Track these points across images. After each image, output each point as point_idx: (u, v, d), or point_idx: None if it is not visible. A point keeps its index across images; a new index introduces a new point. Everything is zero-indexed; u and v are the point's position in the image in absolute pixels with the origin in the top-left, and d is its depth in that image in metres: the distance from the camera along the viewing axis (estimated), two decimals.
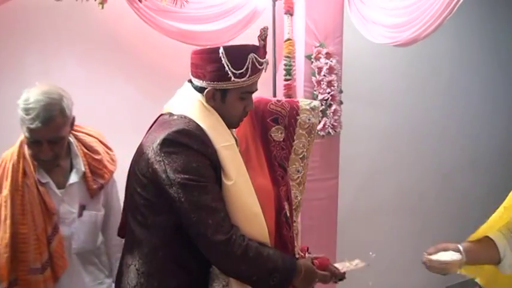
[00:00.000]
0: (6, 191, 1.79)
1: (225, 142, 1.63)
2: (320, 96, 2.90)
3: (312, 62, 2.88)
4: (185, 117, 1.64)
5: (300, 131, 1.82)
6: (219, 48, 1.61)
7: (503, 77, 4.97)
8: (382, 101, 3.82)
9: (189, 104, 1.68)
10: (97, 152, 2.00)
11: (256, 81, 1.71)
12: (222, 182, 1.61)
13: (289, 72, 2.92)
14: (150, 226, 1.64)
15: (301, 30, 2.88)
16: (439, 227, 4.20)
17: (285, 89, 2.93)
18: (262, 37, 1.70)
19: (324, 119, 2.90)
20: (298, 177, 1.83)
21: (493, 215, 1.88)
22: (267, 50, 2.64)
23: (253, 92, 1.73)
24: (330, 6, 2.91)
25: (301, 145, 1.82)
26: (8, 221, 1.76)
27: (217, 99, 1.68)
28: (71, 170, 1.94)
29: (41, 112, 1.69)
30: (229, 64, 1.60)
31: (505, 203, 1.85)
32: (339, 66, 2.94)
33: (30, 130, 1.71)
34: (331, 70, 2.90)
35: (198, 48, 1.73)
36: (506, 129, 5.00)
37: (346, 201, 3.41)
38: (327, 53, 2.90)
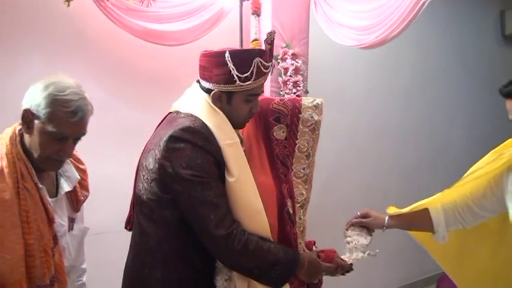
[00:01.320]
0: (8, 194, 1.47)
1: (229, 140, 1.68)
2: (287, 97, 2.92)
3: (279, 62, 2.90)
4: (191, 115, 1.70)
5: (304, 129, 1.83)
6: (225, 52, 1.67)
7: (465, 78, 5.13)
8: (346, 101, 3.88)
9: (196, 103, 1.74)
10: (81, 162, 1.82)
11: (262, 84, 1.75)
12: (225, 179, 1.66)
13: None
14: (156, 220, 1.68)
15: (267, 31, 2.88)
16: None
17: None
18: (269, 41, 1.74)
19: None
20: (304, 174, 1.85)
21: (442, 192, 2.07)
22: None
23: (259, 95, 1.77)
24: (296, 8, 2.94)
25: (305, 143, 1.84)
26: (19, 230, 1.48)
27: (223, 101, 1.72)
28: (56, 178, 1.72)
29: (79, 106, 1.51)
30: (234, 68, 1.65)
31: (459, 183, 2.02)
32: (304, 67, 2.97)
33: (63, 124, 1.50)
34: (297, 71, 2.93)
35: (208, 50, 1.77)
36: (466, 129, 5.17)
37: (311, 198, 3.45)
38: (293, 54, 2.92)
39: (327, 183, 3.84)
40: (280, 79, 2.92)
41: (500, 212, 1.90)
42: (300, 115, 1.83)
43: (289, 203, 1.80)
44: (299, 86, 2.94)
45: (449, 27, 4.89)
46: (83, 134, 1.58)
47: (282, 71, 2.92)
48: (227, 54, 1.66)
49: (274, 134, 1.82)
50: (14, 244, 1.45)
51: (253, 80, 1.67)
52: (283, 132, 1.83)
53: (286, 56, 2.92)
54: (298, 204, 1.85)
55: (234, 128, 1.75)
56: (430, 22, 4.53)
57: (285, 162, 1.83)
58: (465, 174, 2.00)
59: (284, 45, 2.90)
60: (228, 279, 1.70)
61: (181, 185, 1.60)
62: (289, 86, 2.93)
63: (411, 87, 4.49)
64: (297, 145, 1.83)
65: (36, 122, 1.47)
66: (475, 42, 5.30)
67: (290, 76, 2.93)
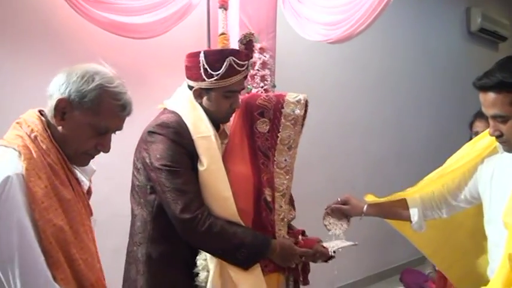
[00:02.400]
0: (68, 193, 1.34)
1: (202, 133, 1.86)
2: (254, 90, 2.93)
3: None
4: (173, 112, 1.90)
5: (286, 122, 1.93)
6: (200, 52, 1.87)
7: (431, 74, 5.24)
8: (313, 95, 3.89)
9: (180, 100, 1.94)
10: None
11: (240, 81, 1.90)
12: (198, 168, 1.84)
13: None
14: (142, 204, 1.89)
15: (235, 25, 2.89)
16: (369, 217, 4.37)
17: None
18: (243, 41, 1.92)
19: None
20: (286, 165, 1.96)
21: (422, 181, 2.11)
22: (202, 43, 2.67)
23: (237, 91, 1.92)
24: (263, 2, 2.94)
25: (286, 136, 1.94)
26: (85, 228, 1.39)
27: (203, 97, 1.90)
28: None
29: (128, 99, 1.45)
30: (207, 67, 1.84)
31: (438, 173, 2.05)
32: (272, 61, 2.97)
33: (112, 118, 1.42)
34: (264, 65, 2.94)
35: (192, 52, 1.92)
36: (432, 123, 5.28)
37: None
38: (260, 48, 2.93)
39: (296, 177, 3.85)
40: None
41: (476, 203, 1.95)
42: (283, 110, 1.93)
43: (267, 192, 1.93)
44: (266, 80, 2.96)
45: (417, 24, 4.98)
46: (122, 128, 1.49)
47: (250, 64, 2.92)
48: (201, 54, 1.85)
49: (258, 127, 1.94)
50: (87, 243, 1.38)
51: (227, 78, 1.84)
52: (266, 125, 1.94)
53: (253, 50, 2.92)
54: (280, 193, 1.96)
55: (219, 122, 1.96)
56: (398, 19, 4.62)
57: (267, 153, 1.94)
58: (442, 166, 2.05)
59: None
60: (205, 259, 1.88)
61: (155, 174, 1.80)
62: (257, 79, 2.94)
63: (379, 82, 4.56)
64: (279, 138, 1.93)
65: (76, 113, 1.34)
66: (442, 39, 5.42)
67: (257, 70, 2.93)
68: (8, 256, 1.17)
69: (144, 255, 1.87)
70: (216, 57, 1.86)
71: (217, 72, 1.83)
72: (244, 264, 1.85)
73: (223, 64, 1.83)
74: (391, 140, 4.79)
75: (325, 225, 2.17)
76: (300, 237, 2.07)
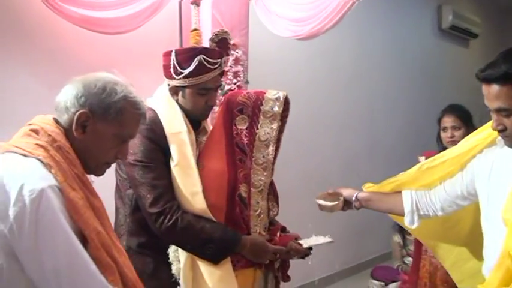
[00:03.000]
0: (97, 201, 1.36)
1: (174, 130, 1.89)
2: (227, 87, 2.94)
3: None
4: (151, 109, 1.91)
5: (264, 119, 1.93)
6: (172, 51, 1.91)
7: (403, 70, 5.32)
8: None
9: (158, 97, 1.99)
10: None
11: (214, 79, 1.93)
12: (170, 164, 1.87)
13: None
14: (123, 198, 1.93)
15: (207, 21, 2.89)
16: (341, 212, 4.41)
17: None
18: (215, 40, 1.93)
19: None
20: (264, 162, 1.96)
21: (412, 170, 2.04)
22: (174, 39, 2.67)
23: (212, 89, 1.94)
24: None
25: (264, 132, 1.94)
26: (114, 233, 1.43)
27: (179, 95, 1.94)
28: None
29: (144, 106, 1.47)
30: (177, 65, 1.89)
31: (428, 163, 1.99)
32: (245, 57, 2.99)
33: (133, 127, 1.43)
34: (237, 61, 2.95)
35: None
36: (404, 118, 5.37)
37: None
38: (233, 44, 2.93)
39: None
40: None
41: (472, 201, 1.88)
42: (261, 107, 1.93)
43: (243, 188, 1.94)
44: (239, 77, 2.97)
45: (389, 21, 5.05)
46: None
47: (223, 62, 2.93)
48: (173, 53, 1.90)
49: (236, 123, 1.95)
50: (120, 247, 1.40)
51: (198, 76, 1.87)
52: (245, 122, 1.94)
53: (228, 47, 2.93)
54: (257, 189, 1.97)
55: (197, 119, 1.99)
56: (371, 16, 4.68)
57: (244, 149, 1.95)
58: (440, 159, 1.98)
59: None
60: (176, 250, 1.92)
61: (129, 169, 1.84)
62: (230, 76, 2.95)
63: (351, 79, 4.61)
64: (257, 134, 1.93)
65: (99, 125, 1.33)
66: (413, 36, 5.51)
67: (230, 66, 2.94)
68: (52, 267, 1.16)
69: (124, 246, 1.85)
70: (186, 56, 1.90)
71: (186, 70, 1.87)
72: (213, 259, 1.87)
73: (192, 62, 1.86)
74: (364, 136, 4.85)
75: (319, 203, 2.15)
76: (278, 233, 2.09)
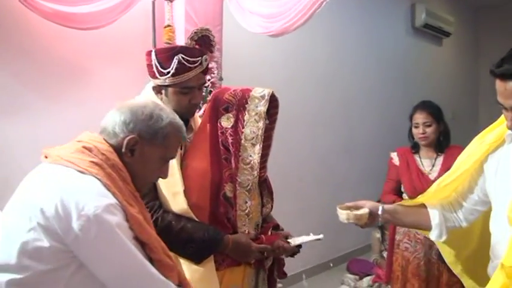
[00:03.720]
0: (148, 217, 1.49)
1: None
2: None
3: None
4: None
5: (250, 118, 1.90)
6: (152, 50, 1.92)
7: (377, 68, 5.38)
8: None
9: (143, 97, 1.99)
10: None
11: (196, 77, 1.92)
12: None
13: None
14: None
15: (181, 17, 2.90)
16: (318, 208, 4.47)
17: None
18: (194, 38, 1.92)
19: (205, 105, 2.95)
20: (251, 161, 1.92)
21: (431, 189, 1.95)
22: (147, 35, 2.65)
23: (194, 87, 1.93)
24: None
25: (250, 131, 1.90)
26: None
27: (162, 94, 1.94)
28: None
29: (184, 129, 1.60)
30: (158, 64, 1.89)
31: (444, 181, 1.89)
32: (219, 54, 2.99)
33: (176, 149, 1.56)
34: (211, 58, 2.94)
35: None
36: (379, 116, 5.43)
37: None
38: None
39: None
40: None
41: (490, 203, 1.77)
42: (247, 105, 1.90)
43: (228, 187, 1.91)
44: (213, 73, 2.97)
45: (362, 19, 5.11)
46: None
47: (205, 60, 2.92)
48: (153, 52, 1.90)
49: (222, 122, 1.92)
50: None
51: (178, 75, 1.87)
52: (230, 121, 1.91)
53: (211, 45, 2.92)
54: (245, 189, 1.94)
55: (183, 118, 1.87)
56: (344, 14, 4.73)
57: (229, 149, 1.91)
58: (454, 165, 1.89)
59: None
60: None
61: None
62: None
63: (326, 76, 4.65)
64: (243, 133, 1.90)
65: (147, 148, 1.44)
66: (387, 34, 5.58)
67: None
68: (119, 273, 1.30)
69: None
70: (165, 55, 1.90)
71: (167, 70, 1.88)
72: (195, 259, 1.86)
73: (172, 62, 1.87)
74: (338, 132, 4.90)
75: (343, 214, 1.94)
76: (270, 231, 2.07)
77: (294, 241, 2.00)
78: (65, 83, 2.76)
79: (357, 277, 4.43)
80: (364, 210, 1.90)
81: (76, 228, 1.21)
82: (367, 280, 4.29)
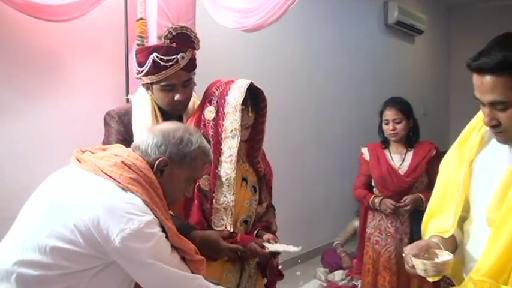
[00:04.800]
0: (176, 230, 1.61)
1: (138, 123, 1.95)
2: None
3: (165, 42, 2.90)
4: (129, 100, 2.09)
5: (228, 110, 1.89)
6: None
7: (348, 63, 5.44)
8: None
9: (137, 92, 2.09)
10: None
11: (177, 75, 1.92)
12: None
13: None
14: None
15: (153, 10, 2.88)
16: (290, 201, 4.51)
17: None
18: (169, 36, 1.90)
19: None
20: (230, 155, 1.90)
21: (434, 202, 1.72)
22: (120, 27, 2.63)
23: (176, 84, 1.93)
24: None
25: (229, 124, 1.89)
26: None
27: (150, 90, 1.99)
28: None
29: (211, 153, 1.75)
30: (137, 64, 1.94)
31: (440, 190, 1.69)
32: None
33: (202, 170, 1.70)
34: (193, 54, 2.93)
35: None
36: (349, 109, 5.49)
37: None
38: None
39: None
40: None
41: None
42: (227, 97, 1.90)
43: (203, 180, 1.89)
44: None
45: (336, 16, 5.16)
46: None
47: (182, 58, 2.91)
48: (134, 51, 1.95)
49: (205, 114, 1.93)
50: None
51: (156, 74, 1.89)
52: (212, 113, 1.92)
53: (191, 41, 2.90)
54: (224, 183, 1.90)
55: (172, 113, 1.99)
56: (317, 9, 4.76)
57: (210, 141, 1.90)
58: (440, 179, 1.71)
59: (170, 25, 2.88)
60: None
61: None
62: None
63: (298, 70, 4.68)
64: (224, 126, 1.89)
65: (176, 170, 1.54)
66: (360, 30, 5.64)
67: None
68: (156, 280, 1.42)
69: None
70: (142, 55, 1.93)
71: (142, 69, 1.92)
72: None
73: (147, 61, 1.89)
74: (310, 125, 4.93)
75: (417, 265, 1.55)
76: (255, 231, 2.04)
77: (269, 247, 1.94)
78: (36, 75, 2.72)
79: (327, 270, 4.48)
80: (447, 257, 1.50)
81: (117, 240, 1.31)
82: (339, 274, 4.34)
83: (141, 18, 2.88)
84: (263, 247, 1.94)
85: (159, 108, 2.02)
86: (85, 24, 2.79)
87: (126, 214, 1.34)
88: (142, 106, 2.02)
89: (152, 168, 1.50)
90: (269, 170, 2.20)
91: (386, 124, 3.06)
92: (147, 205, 1.39)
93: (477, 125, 1.59)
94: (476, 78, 1.37)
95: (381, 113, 3.11)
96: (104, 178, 1.41)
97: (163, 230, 1.42)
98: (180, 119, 2.03)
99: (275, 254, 2.01)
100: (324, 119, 5.12)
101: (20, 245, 1.36)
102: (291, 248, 1.94)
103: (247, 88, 1.93)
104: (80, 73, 2.90)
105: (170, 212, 1.86)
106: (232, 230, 1.92)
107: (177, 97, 1.95)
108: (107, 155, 1.50)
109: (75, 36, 2.85)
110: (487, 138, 1.55)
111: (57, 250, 1.33)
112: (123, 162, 1.45)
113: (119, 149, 1.56)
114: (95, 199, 1.37)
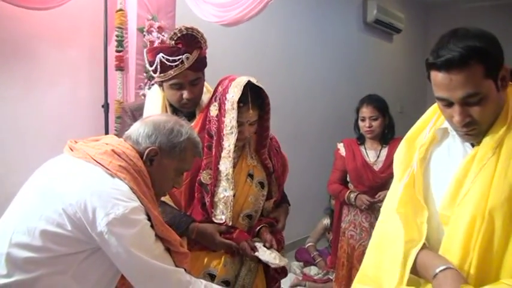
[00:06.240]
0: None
1: (148, 115, 1.94)
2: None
3: (144, 35, 2.90)
4: (145, 95, 2.20)
5: (228, 107, 1.91)
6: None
7: (327, 60, 5.47)
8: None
9: (153, 88, 2.20)
10: None
11: (183, 74, 1.99)
12: None
13: (121, 43, 2.91)
14: None
15: (133, 2, 2.88)
16: None
17: (116, 61, 2.92)
18: (174, 38, 1.99)
19: None
20: (229, 151, 1.93)
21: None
22: (99, 18, 2.62)
23: (183, 83, 2.01)
24: None
25: (228, 121, 1.92)
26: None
27: (161, 88, 2.09)
28: None
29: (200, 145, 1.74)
30: (148, 63, 2.05)
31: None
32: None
33: (192, 162, 1.68)
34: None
35: None
36: (327, 105, 5.52)
37: None
38: (159, 27, 2.93)
39: None
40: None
41: None
42: (227, 95, 1.92)
43: (204, 174, 1.94)
44: None
45: (315, 13, 5.19)
46: None
47: (148, 43, 2.92)
48: (145, 51, 2.09)
49: (210, 111, 1.98)
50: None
51: (163, 73, 1.98)
52: (215, 110, 1.95)
53: (152, 29, 2.92)
54: (224, 178, 1.94)
55: (182, 110, 2.09)
56: (296, 6, 4.79)
57: (212, 136, 1.95)
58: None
59: (150, 17, 2.91)
60: None
61: None
62: None
63: (277, 66, 4.69)
64: (224, 122, 1.92)
65: (165, 160, 1.57)
66: (339, 28, 5.68)
67: None
68: (139, 266, 1.42)
69: None
70: (150, 54, 2.02)
71: (152, 69, 2.02)
72: None
73: (155, 61, 1.98)
74: (288, 121, 4.96)
75: None
76: (257, 228, 2.04)
77: (258, 254, 1.93)
78: (10, 63, 2.69)
79: (302, 264, 4.52)
80: None
81: (103, 224, 1.34)
82: (315, 268, 4.38)
83: (120, 10, 2.88)
84: (255, 249, 1.95)
85: (171, 105, 2.11)
86: (64, 13, 2.77)
87: (112, 199, 1.37)
88: (154, 102, 2.12)
89: (142, 157, 1.52)
90: (280, 166, 2.19)
91: (363, 121, 3.11)
92: (134, 192, 1.42)
93: (430, 121, 1.50)
94: (441, 77, 1.28)
95: (358, 110, 3.16)
96: (94, 165, 1.44)
97: (149, 219, 1.44)
98: (192, 115, 2.11)
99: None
100: (301, 113, 5.15)
101: (11, 229, 1.39)
102: (275, 261, 1.93)
103: (251, 85, 1.96)
104: (57, 62, 2.88)
105: (171, 203, 1.96)
106: (231, 224, 1.95)
107: (184, 95, 2.04)
108: (99, 144, 1.53)
109: (53, 25, 2.82)
110: (439, 138, 1.46)
111: (46, 233, 1.35)
112: (113, 150, 1.48)
113: (110, 138, 1.60)
114: (83, 184, 1.40)
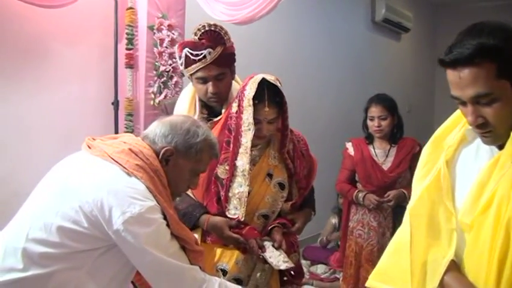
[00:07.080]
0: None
1: (177, 109, 2.17)
2: (162, 68, 2.94)
3: (154, 33, 2.91)
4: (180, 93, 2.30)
5: (245, 103, 1.93)
6: None
7: (334, 58, 5.46)
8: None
9: (189, 85, 2.25)
10: None
11: (207, 69, 2.04)
12: None
13: (131, 41, 2.92)
14: None
15: (143, 0, 2.88)
16: None
17: (126, 59, 2.93)
18: (197, 33, 2.03)
19: (166, 90, 2.96)
20: (246, 147, 1.94)
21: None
22: (110, 16, 2.62)
23: (206, 77, 2.06)
24: None
25: (246, 117, 1.93)
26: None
27: (192, 82, 2.16)
28: None
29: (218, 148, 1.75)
30: (178, 58, 2.12)
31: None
32: (181, 39, 2.98)
33: (208, 164, 1.70)
34: (173, 42, 2.95)
35: None
36: (334, 104, 5.51)
37: None
38: (169, 25, 2.94)
39: None
40: (155, 50, 2.93)
41: None
42: (245, 92, 1.93)
43: (220, 168, 1.96)
44: (175, 58, 2.96)
45: (323, 11, 5.18)
46: None
47: (158, 41, 2.93)
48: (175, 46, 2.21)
49: (232, 108, 1.99)
50: None
51: (188, 67, 2.05)
52: (236, 106, 1.97)
53: (162, 27, 2.93)
54: (240, 173, 1.95)
55: (211, 106, 2.16)
56: (305, 5, 4.77)
57: (232, 131, 1.97)
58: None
59: (160, 15, 2.91)
60: None
61: None
62: (165, 57, 2.96)
63: (284, 64, 4.68)
64: (242, 119, 1.93)
65: (180, 160, 1.57)
66: (347, 26, 5.67)
67: (166, 47, 2.95)
68: (152, 263, 1.43)
69: None
70: (178, 49, 2.09)
71: (180, 62, 2.10)
72: None
73: (181, 55, 2.05)
74: (295, 118, 4.93)
75: None
76: (270, 227, 2.03)
77: (264, 255, 1.92)
78: (24, 62, 2.70)
79: (309, 262, 4.52)
80: None
81: (119, 222, 1.35)
82: (322, 267, 4.38)
83: (130, 8, 2.88)
84: (263, 248, 1.94)
85: (200, 100, 2.17)
86: (74, 11, 2.77)
87: (128, 198, 1.38)
88: (185, 96, 2.22)
89: (158, 156, 1.53)
90: (303, 169, 2.15)
91: (372, 120, 3.11)
92: (150, 192, 1.43)
93: (460, 120, 1.41)
94: (451, 74, 1.23)
95: (366, 109, 3.15)
96: (111, 163, 1.45)
97: (165, 218, 1.45)
98: (219, 112, 2.16)
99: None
100: (309, 113, 5.14)
101: (28, 224, 1.40)
102: (278, 263, 1.91)
103: (268, 83, 1.97)
104: (67, 60, 2.89)
105: (190, 194, 1.98)
106: (243, 220, 1.95)
107: (209, 89, 2.09)
108: (116, 142, 1.54)
109: (63, 23, 2.83)
110: (470, 138, 1.38)
111: (63, 229, 1.37)
112: (130, 149, 1.49)
113: (128, 137, 1.60)
114: (100, 182, 1.42)
